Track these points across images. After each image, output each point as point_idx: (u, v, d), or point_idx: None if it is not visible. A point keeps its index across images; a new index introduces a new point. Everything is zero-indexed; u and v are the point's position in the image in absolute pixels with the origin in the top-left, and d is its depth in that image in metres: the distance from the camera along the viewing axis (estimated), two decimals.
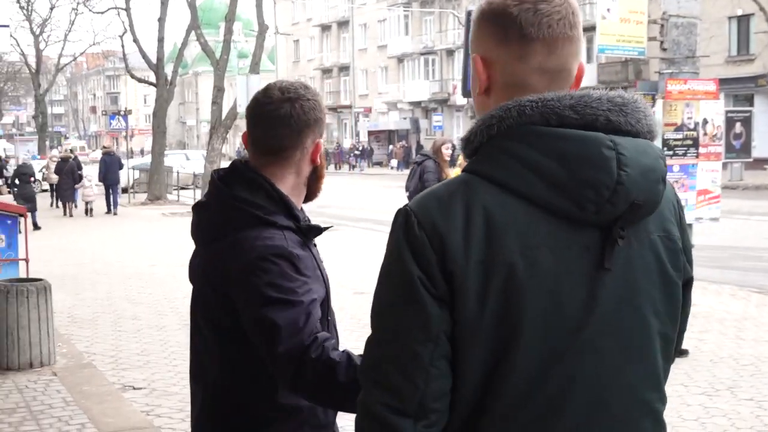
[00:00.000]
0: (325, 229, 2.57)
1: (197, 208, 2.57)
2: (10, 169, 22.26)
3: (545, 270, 1.67)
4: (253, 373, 2.41)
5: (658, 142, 12.95)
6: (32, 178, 23.94)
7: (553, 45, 1.76)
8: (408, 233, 1.69)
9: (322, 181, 2.59)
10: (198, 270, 2.52)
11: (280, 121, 2.47)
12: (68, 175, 26.28)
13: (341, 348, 2.38)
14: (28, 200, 22.10)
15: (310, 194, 2.59)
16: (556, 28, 1.75)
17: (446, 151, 11.53)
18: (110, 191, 27.39)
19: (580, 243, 1.70)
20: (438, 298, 1.66)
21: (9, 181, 23.05)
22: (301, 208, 2.58)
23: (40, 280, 8.57)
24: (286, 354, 2.28)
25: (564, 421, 1.70)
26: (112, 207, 27.31)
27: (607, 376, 1.73)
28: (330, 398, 2.34)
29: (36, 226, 21.80)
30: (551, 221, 1.68)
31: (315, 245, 2.58)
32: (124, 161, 31.01)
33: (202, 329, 2.52)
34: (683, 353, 8.15)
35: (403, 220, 1.71)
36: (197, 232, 2.55)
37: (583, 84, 1.86)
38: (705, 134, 12.46)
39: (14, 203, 18.26)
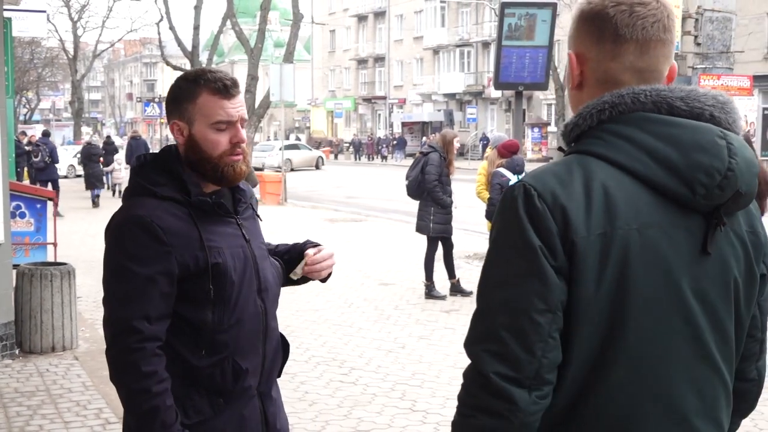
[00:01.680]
0: (216, 204, 2.65)
1: None
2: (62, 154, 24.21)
3: (657, 248, 1.75)
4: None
5: None
6: (100, 159, 26.02)
7: (646, 46, 1.85)
8: (528, 205, 1.74)
9: (218, 169, 2.65)
10: None
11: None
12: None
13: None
14: (96, 178, 25.04)
15: (217, 179, 2.68)
16: (650, 30, 1.84)
17: (457, 145, 11.35)
18: None
19: (685, 226, 1.78)
20: (557, 269, 1.71)
21: (79, 161, 25.93)
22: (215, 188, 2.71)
23: (65, 264, 8.60)
24: (109, 322, 2.54)
25: (661, 398, 1.77)
26: None
27: (702, 357, 1.81)
28: (120, 385, 2.53)
29: (95, 204, 24.36)
30: (661, 202, 1.76)
31: (238, 221, 2.72)
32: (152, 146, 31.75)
33: None
34: None
35: (521, 193, 1.76)
36: None
37: None
38: None
39: (43, 188, 18.40)
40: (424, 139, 61.30)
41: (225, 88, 2.62)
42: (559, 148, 2.05)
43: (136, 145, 28.65)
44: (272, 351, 2.80)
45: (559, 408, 1.76)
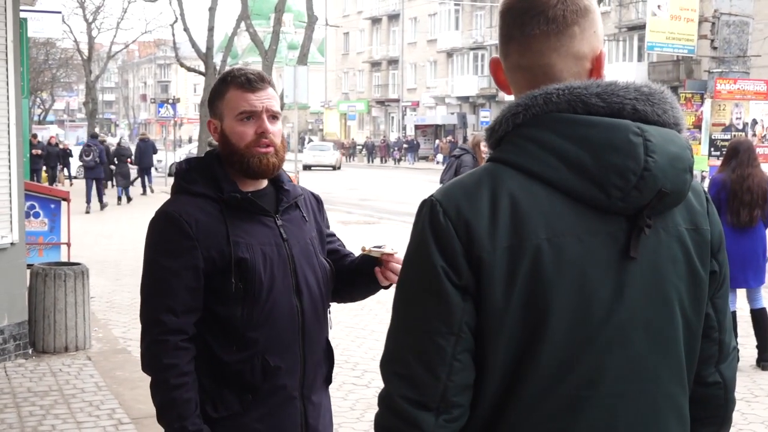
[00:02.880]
0: (246, 201, 2.71)
1: None
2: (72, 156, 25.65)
3: (571, 257, 1.65)
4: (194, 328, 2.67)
5: (705, 142, 12.76)
6: (129, 160, 27.83)
7: (526, 43, 1.76)
8: (433, 222, 1.67)
9: (245, 160, 2.70)
10: None
11: None
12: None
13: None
14: (124, 177, 26.94)
15: (244, 170, 2.73)
16: (528, 24, 1.75)
17: (485, 148, 11.43)
18: (144, 173, 30.21)
19: (606, 231, 1.67)
20: (461, 288, 1.64)
21: (111, 160, 27.35)
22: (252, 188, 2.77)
23: (78, 264, 8.62)
24: (141, 314, 2.67)
25: (589, 412, 1.68)
26: (147, 187, 30.23)
27: (634, 368, 1.70)
28: (148, 374, 2.63)
29: (129, 199, 26.56)
30: (578, 209, 1.66)
31: (277, 220, 2.75)
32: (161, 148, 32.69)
33: None
34: None
35: (428, 209, 1.69)
36: None
37: None
38: (754, 135, 12.30)
39: (57, 185, 18.45)
40: (437, 142, 61.42)
41: (248, 81, 2.72)
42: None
43: (144, 147, 29.91)
44: (315, 354, 2.79)
45: (478, 426, 1.69)
